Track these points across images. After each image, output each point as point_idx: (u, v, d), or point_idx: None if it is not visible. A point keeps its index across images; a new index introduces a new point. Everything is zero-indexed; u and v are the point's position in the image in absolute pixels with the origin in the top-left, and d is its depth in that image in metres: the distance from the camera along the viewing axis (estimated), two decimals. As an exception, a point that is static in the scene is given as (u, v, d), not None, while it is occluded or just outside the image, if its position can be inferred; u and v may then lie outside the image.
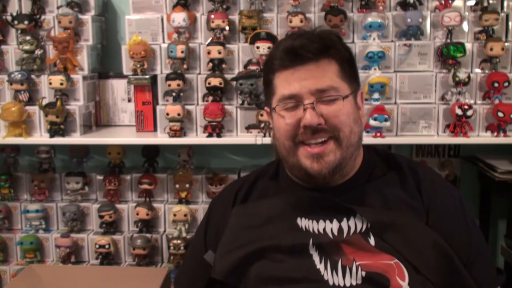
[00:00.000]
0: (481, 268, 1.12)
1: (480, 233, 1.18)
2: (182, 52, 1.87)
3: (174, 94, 1.88)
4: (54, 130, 1.90)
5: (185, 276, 1.31)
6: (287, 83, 1.12)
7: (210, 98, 1.89)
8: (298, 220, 1.14)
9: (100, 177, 2.08)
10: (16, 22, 1.95)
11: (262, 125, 1.86)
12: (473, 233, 1.14)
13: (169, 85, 1.86)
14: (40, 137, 1.94)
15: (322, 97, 1.10)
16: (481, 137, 1.84)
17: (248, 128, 1.89)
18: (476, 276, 1.09)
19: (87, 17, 2.00)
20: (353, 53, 1.21)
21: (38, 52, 1.96)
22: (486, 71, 1.85)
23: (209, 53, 1.87)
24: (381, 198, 1.14)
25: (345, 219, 1.11)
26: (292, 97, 1.11)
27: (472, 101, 1.82)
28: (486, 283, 1.12)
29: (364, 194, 1.15)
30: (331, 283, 1.06)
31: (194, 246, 1.33)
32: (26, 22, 1.94)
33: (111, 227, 2.03)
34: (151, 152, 2.12)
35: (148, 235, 1.99)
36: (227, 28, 1.90)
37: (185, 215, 1.95)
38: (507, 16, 1.91)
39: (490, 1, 1.91)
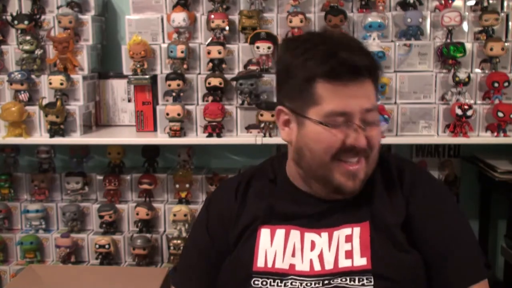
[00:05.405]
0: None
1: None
2: (182, 52, 1.87)
3: (174, 94, 1.88)
4: (54, 130, 1.90)
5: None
6: (339, 98, 1.06)
7: (210, 98, 1.89)
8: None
9: (100, 177, 2.08)
10: (16, 22, 1.94)
11: (262, 125, 1.86)
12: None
13: (169, 85, 1.86)
14: (40, 137, 1.94)
15: (367, 117, 1.08)
16: (481, 137, 1.84)
17: (248, 128, 1.89)
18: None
19: (87, 17, 2.00)
20: None
21: (38, 52, 1.96)
22: (486, 71, 1.85)
23: (209, 53, 1.87)
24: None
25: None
26: (343, 114, 1.07)
27: (472, 101, 1.82)
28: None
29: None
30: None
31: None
32: (26, 22, 1.94)
33: (111, 227, 2.03)
34: (151, 152, 2.12)
35: (148, 235, 1.99)
36: (227, 28, 1.90)
37: (185, 215, 1.95)
38: (507, 16, 1.91)
39: (490, 1, 1.90)
